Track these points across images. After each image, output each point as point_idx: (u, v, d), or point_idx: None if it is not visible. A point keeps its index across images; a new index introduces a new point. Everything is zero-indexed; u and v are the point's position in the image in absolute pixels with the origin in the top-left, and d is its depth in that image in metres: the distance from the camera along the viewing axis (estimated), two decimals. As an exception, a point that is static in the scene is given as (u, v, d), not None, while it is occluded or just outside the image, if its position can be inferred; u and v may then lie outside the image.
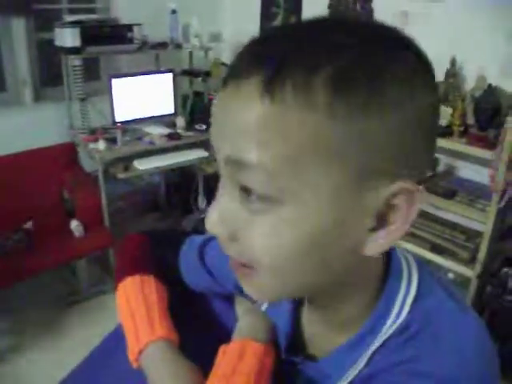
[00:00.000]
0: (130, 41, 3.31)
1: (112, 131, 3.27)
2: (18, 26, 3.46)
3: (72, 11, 3.63)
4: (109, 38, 3.25)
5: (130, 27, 3.33)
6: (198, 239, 0.85)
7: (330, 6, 3.49)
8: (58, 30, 3.29)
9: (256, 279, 0.48)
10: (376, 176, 0.43)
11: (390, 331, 0.52)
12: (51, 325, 2.92)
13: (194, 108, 3.59)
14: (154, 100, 3.40)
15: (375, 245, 0.46)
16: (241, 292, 0.73)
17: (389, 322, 0.53)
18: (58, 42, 3.33)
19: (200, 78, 3.63)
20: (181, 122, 3.50)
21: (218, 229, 0.47)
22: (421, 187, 0.45)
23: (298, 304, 0.65)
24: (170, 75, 3.44)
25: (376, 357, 0.53)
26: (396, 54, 0.43)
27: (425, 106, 0.44)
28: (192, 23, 3.62)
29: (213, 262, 0.80)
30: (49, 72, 3.71)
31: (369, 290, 0.55)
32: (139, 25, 3.37)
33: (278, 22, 3.88)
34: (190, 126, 3.53)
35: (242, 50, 0.46)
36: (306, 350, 0.63)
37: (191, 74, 3.66)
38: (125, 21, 3.45)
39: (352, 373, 0.54)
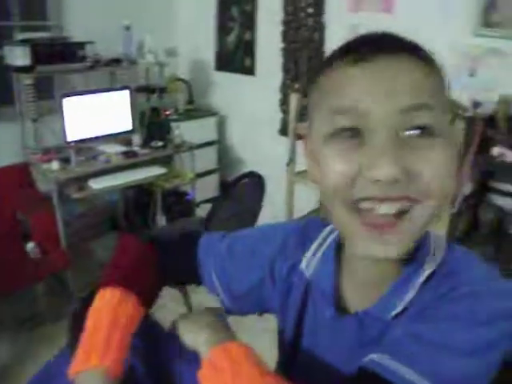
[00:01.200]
0: (82, 59, 3.26)
1: (66, 151, 3.20)
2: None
3: (24, 28, 3.57)
4: (60, 56, 3.20)
5: (81, 45, 3.29)
6: (214, 235, 0.91)
7: (284, 22, 3.52)
8: (7, 48, 3.22)
9: (407, 225, 0.59)
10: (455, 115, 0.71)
11: (430, 270, 0.66)
12: (12, 349, 2.83)
13: (152, 124, 3.55)
14: (109, 118, 3.35)
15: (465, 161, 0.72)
16: (272, 276, 0.83)
17: (427, 265, 0.66)
18: (8, 61, 3.26)
19: (156, 94, 3.59)
20: (137, 139, 3.46)
21: (395, 172, 0.55)
22: None
23: (338, 268, 0.75)
24: (126, 92, 3.40)
25: (422, 292, 0.66)
26: None
27: None
28: (146, 39, 3.59)
29: (243, 255, 0.86)
30: (0, 91, 3.63)
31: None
32: (92, 42, 3.33)
33: (233, 36, 3.89)
34: (146, 143, 3.49)
35: (367, 38, 0.65)
36: (348, 309, 0.74)
37: (147, 90, 3.62)
38: (78, 38, 3.40)
39: (401, 304, 0.66)
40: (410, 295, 0.66)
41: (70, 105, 3.16)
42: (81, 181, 3.12)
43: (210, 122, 3.98)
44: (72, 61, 3.25)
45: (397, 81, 0.58)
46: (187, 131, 3.65)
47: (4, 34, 3.48)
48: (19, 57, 3.10)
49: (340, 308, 0.74)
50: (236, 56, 3.91)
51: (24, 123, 3.40)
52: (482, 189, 2.65)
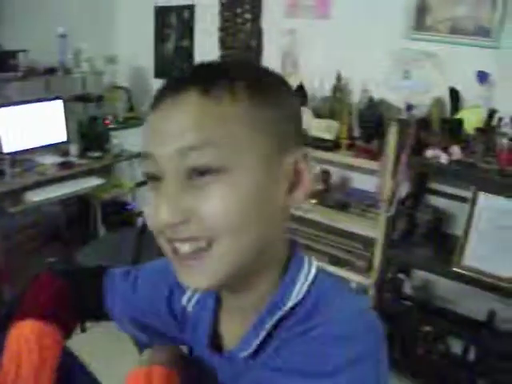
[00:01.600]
0: (14, 68, 3.18)
1: (0, 163, 3.12)
2: None
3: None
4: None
5: (13, 54, 3.21)
6: (119, 270, 0.92)
7: (221, 29, 3.52)
8: None
9: (207, 261, 0.59)
10: (286, 146, 0.63)
11: (288, 308, 0.64)
12: None
13: (89, 134, 3.49)
14: (44, 128, 3.27)
15: (293, 201, 0.64)
16: (171, 306, 0.84)
17: (289, 302, 0.65)
18: None
19: (93, 103, 3.54)
20: (74, 149, 3.40)
21: (173, 217, 0.57)
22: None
23: (217, 305, 0.75)
24: (59, 102, 3.33)
25: (278, 330, 0.65)
26: (274, 75, 0.68)
27: (296, 106, 0.69)
28: (83, 47, 3.53)
29: (141, 285, 0.87)
30: None
31: (275, 273, 0.67)
32: (24, 51, 3.25)
33: (170, 43, 3.88)
34: (83, 153, 3.43)
35: (171, 79, 0.64)
36: (224, 344, 0.73)
37: (84, 99, 3.57)
38: (11, 47, 3.31)
39: (255, 342, 0.66)
40: (263, 333, 0.65)
41: (3, 116, 3.08)
42: (17, 193, 3.04)
43: (150, 130, 3.93)
44: (3, 70, 3.16)
45: (173, 121, 0.59)
46: (127, 139, 3.61)
47: None
48: None
49: (220, 345, 0.74)
50: (174, 63, 3.89)
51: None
52: (418, 190, 2.71)
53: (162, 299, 0.84)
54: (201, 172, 0.57)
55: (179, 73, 0.71)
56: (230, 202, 0.57)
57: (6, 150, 3.09)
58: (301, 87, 2.86)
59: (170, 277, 0.80)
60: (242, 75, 0.62)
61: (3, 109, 3.09)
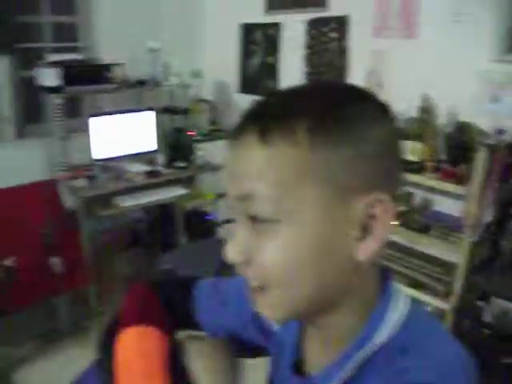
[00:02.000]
0: (110, 80, 3.36)
1: (92, 169, 3.30)
2: (1, 65, 3.52)
3: (55, 50, 3.69)
4: (89, 77, 3.31)
5: (110, 67, 3.39)
6: (208, 282, 0.93)
7: (307, 46, 3.58)
8: (39, 70, 3.35)
9: (268, 298, 0.58)
10: (355, 191, 0.55)
11: (377, 345, 0.59)
12: (30, 361, 2.90)
13: (175, 145, 3.63)
14: (135, 138, 3.44)
15: (365, 251, 0.56)
16: (257, 322, 0.82)
17: (377, 338, 0.59)
18: (39, 81, 3.38)
19: (180, 115, 3.68)
20: (161, 159, 3.54)
21: (236, 257, 0.58)
22: (388, 197, 0.56)
23: (302, 329, 0.72)
24: (151, 113, 3.49)
25: (364, 370, 0.59)
26: (354, 102, 0.58)
27: (383, 139, 0.57)
28: (172, 61, 3.69)
29: (231, 298, 0.87)
30: (32, 109, 3.75)
31: (361, 308, 0.62)
32: (119, 64, 3.43)
33: (255, 59, 3.97)
34: (169, 163, 3.57)
35: (244, 113, 0.59)
36: (306, 367, 0.70)
37: (171, 111, 3.71)
38: (107, 59, 3.51)
39: (337, 379, 0.61)
40: (348, 368, 0.61)
41: (96, 124, 3.26)
42: (106, 198, 3.21)
43: (232, 143, 4.03)
44: (100, 82, 3.35)
45: (234, 165, 0.58)
46: (209, 152, 3.73)
47: (35, 55, 3.62)
48: (50, 78, 3.21)
49: (301, 367, 0.72)
50: (259, 79, 3.98)
51: (52, 141, 3.51)
52: (503, 217, 2.65)
53: (248, 314, 0.83)
54: (258, 220, 0.56)
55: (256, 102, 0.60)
56: (285, 255, 0.55)
57: (98, 156, 3.27)
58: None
59: None
60: (306, 112, 0.55)
61: (97, 118, 3.27)
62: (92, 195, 3.17)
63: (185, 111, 3.71)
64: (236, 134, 0.58)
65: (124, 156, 3.40)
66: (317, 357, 0.69)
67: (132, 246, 3.91)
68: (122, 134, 3.38)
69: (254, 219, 0.56)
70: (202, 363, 0.77)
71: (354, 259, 0.56)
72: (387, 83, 3.11)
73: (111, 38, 3.75)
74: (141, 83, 3.56)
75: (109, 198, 3.22)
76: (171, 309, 0.90)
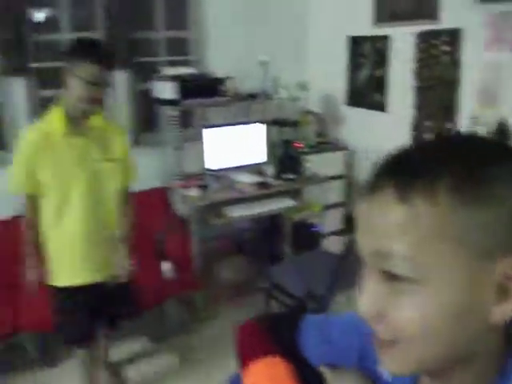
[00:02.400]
0: (222, 94, 3.48)
1: (204, 178, 3.43)
2: (121, 78, 3.74)
3: (169, 63, 3.88)
4: (203, 91, 3.45)
5: (222, 81, 3.51)
6: (316, 318, 0.95)
7: (417, 60, 3.54)
8: (156, 84, 3.53)
9: (396, 353, 0.57)
10: (493, 253, 0.53)
11: None
12: (141, 359, 3.08)
13: (283, 157, 3.70)
14: (245, 149, 3.54)
15: (500, 314, 0.54)
16: (364, 365, 0.81)
17: None
18: (155, 94, 3.56)
19: (288, 128, 3.74)
20: (270, 170, 3.62)
21: (369, 311, 0.57)
22: None
23: (418, 378, 0.70)
24: (261, 125, 3.58)
25: None
26: (497, 162, 0.55)
27: None
28: (281, 75, 3.77)
29: (337, 337, 0.88)
30: (147, 118, 3.96)
31: (489, 365, 0.60)
32: (231, 78, 3.54)
33: (364, 72, 3.96)
34: (278, 174, 3.64)
35: (380, 166, 0.58)
36: None
37: (280, 123, 3.78)
38: (219, 73, 3.65)
39: None
40: None
41: (209, 135, 3.39)
42: (217, 207, 3.32)
43: (339, 155, 4.06)
44: (213, 95, 3.48)
45: (369, 219, 0.57)
46: (316, 164, 3.76)
47: (151, 68, 3.82)
48: (166, 91, 3.37)
49: None
50: (367, 92, 3.97)
51: (166, 150, 3.69)
52: None
53: (354, 356, 0.83)
54: (394, 277, 0.55)
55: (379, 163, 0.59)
56: (422, 314, 0.54)
57: (210, 166, 3.39)
58: (501, 124, 2.78)
59: (361, 337, 0.81)
60: (448, 171, 0.53)
61: (211, 129, 3.40)
62: (203, 204, 3.29)
63: (293, 123, 3.77)
64: (372, 187, 0.57)
65: (235, 167, 3.50)
66: None
67: (238, 254, 4.01)
68: (233, 146, 3.48)
69: (389, 275, 0.55)
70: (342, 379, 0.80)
71: (488, 321, 0.55)
72: (502, 98, 3.02)
73: (222, 51, 3.90)
74: (252, 96, 3.67)
75: (219, 207, 3.33)
76: (280, 343, 0.93)
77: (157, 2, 3.86)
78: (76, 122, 2.13)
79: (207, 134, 3.40)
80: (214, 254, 3.85)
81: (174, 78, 3.39)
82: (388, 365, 0.59)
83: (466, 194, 0.52)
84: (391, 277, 0.55)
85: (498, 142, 0.59)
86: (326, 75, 4.19)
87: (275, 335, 0.95)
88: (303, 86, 3.97)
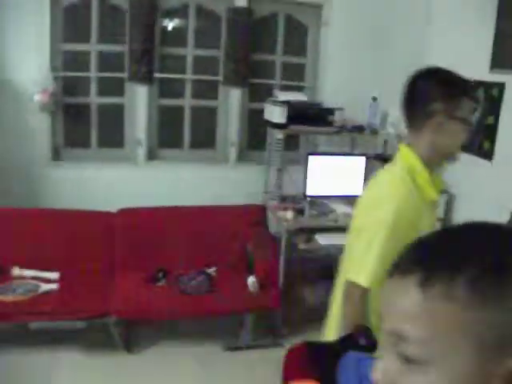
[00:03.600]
0: (330, 124, 3.59)
1: (301, 203, 3.55)
2: (236, 96, 3.96)
3: (282, 87, 4.06)
4: (311, 118, 3.57)
5: (331, 111, 3.62)
6: (353, 355, 1.03)
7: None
8: (268, 106, 3.70)
9: None
10: (501, 351, 0.55)
11: None
12: (206, 362, 3.22)
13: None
14: (344, 180, 3.62)
15: None
16: None
17: None
18: (266, 116, 3.74)
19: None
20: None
21: (381, 381, 0.62)
22: None
23: None
24: (362, 159, 3.65)
25: None
26: None
27: None
28: (390, 112, 3.81)
29: (365, 377, 0.95)
30: (254, 137, 4.17)
31: None
32: (341, 109, 3.64)
33: (475, 117, 3.91)
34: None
35: (408, 251, 0.62)
36: None
37: (383, 159, 3.82)
38: (328, 100, 3.77)
39: None
40: None
41: (313, 162, 3.51)
42: (309, 233, 3.42)
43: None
44: (321, 124, 3.60)
45: (391, 301, 0.61)
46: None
47: (266, 89, 4.02)
48: (277, 115, 3.53)
49: None
50: (475, 138, 3.92)
51: (268, 169, 3.85)
52: None
53: None
54: (407, 357, 0.58)
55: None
56: None
57: (309, 193, 3.51)
58: None
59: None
60: (470, 264, 0.56)
61: (314, 157, 3.52)
62: (296, 228, 3.41)
63: (396, 161, 3.78)
64: (399, 270, 0.61)
65: (332, 196, 3.59)
66: None
67: (322, 280, 4.07)
68: (333, 175, 3.58)
69: (402, 355, 0.59)
70: None
71: None
72: None
73: (335, 82, 4.01)
74: (358, 129, 3.74)
75: (311, 232, 3.43)
76: (321, 371, 1.02)
77: (278, 27, 4.05)
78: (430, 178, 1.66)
79: (311, 160, 3.52)
80: (300, 277, 3.94)
81: (284, 103, 3.53)
82: None
83: (485, 292, 0.55)
84: (404, 356, 0.59)
85: None
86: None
87: (318, 363, 1.05)
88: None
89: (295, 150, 4.13)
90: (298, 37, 4.15)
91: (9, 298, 3.07)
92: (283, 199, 3.66)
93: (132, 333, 3.38)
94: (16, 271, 3.31)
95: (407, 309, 0.58)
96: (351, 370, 1.00)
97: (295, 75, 4.21)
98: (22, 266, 3.35)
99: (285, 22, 4.06)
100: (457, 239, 0.62)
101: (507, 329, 0.55)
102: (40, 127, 3.76)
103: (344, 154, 3.65)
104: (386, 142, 3.90)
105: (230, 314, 3.45)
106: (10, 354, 3.12)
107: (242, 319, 3.42)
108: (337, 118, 3.66)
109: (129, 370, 3.12)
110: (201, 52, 3.99)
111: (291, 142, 3.99)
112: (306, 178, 3.51)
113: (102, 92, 3.92)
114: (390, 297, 0.61)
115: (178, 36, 4.01)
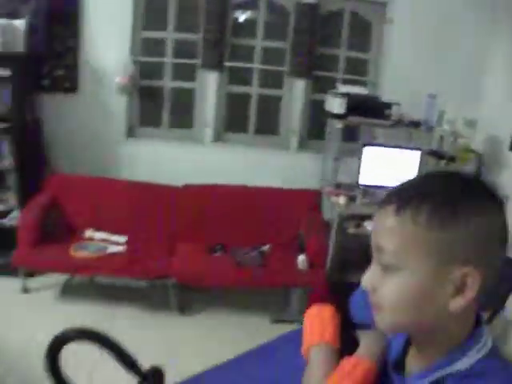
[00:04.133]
0: (387, 117, 3.74)
1: (354, 191, 3.73)
2: (298, 87, 4.19)
3: (345, 80, 4.25)
4: (369, 111, 3.74)
5: (389, 105, 3.77)
6: (360, 288, 1.25)
7: None
8: (329, 97, 3.90)
9: (380, 316, 0.84)
10: (455, 262, 0.75)
11: (457, 368, 0.80)
12: (252, 332, 3.40)
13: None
14: (397, 172, 3.76)
15: (455, 305, 0.77)
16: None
17: (456, 367, 0.81)
18: (327, 107, 3.94)
19: (444, 161, 3.86)
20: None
21: (367, 285, 0.84)
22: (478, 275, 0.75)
23: (407, 340, 0.96)
24: (417, 153, 3.78)
25: (446, 379, 0.81)
26: (468, 197, 0.77)
27: (486, 228, 0.76)
28: (447, 109, 3.90)
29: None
30: (315, 126, 4.38)
31: (450, 342, 0.83)
32: (398, 104, 3.78)
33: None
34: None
35: (391, 190, 0.83)
36: (404, 369, 0.94)
37: (437, 155, 3.91)
38: (388, 97, 3.92)
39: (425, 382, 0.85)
40: (432, 378, 0.82)
41: (368, 153, 3.68)
42: (358, 219, 3.61)
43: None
44: (378, 117, 3.76)
45: (376, 223, 0.82)
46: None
47: (328, 82, 4.21)
48: (337, 106, 3.72)
49: (400, 366, 0.95)
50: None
51: (326, 158, 4.06)
52: None
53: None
54: (385, 265, 0.79)
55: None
56: (397, 291, 0.78)
57: (362, 181, 3.69)
58: None
59: None
60: (431, 199, 0.76)
61: (370, 148, 3.69)
62: (348, 214, 3.60)
63: (451, 158, 3.84)
64: (383, 203, 0.81)
65: (383, 186, 3.74)
66: (414, 364, 0.90)
67: (366, 264, 4.23)
68: (386, 167, 3.73)
69: (382, 264, 0.80)
70: (368, 337, 1.08)
71: (446, 309, 0.77)
72: None
73: (395, 78, 4.16)
74: (414, 124, 3.87)
75: (361, 219, 3.61)
76: (338, 301, 1.21)
77: (344, 21, 4.25)
78: None
79: (366, 151, 3.69)
80: (347, 261, 4.11)
81: (344, 95, 3.72)
82: (377, 323, 0.86)
83: (440, 219, 0.74)
84: (384, 265, 0.80)
85: (478, 180, 0.82)
86: (498, 117, 4.09)
87: (336, 294, 1.25)
88: (471, 124, 3.95)
89: (353, 142, 4.30)
90: (362, 33, 4.33)
91: (81, 254, 3.45)
92: (338, 186, 3.85)
93: (186, 296, 3.66)
94: (88, 233, 3.71)
95: (386, 229, 0.79)
96: (361, 298, 1.17)
97: (358, 70, 4.39)
98: (94, 228, 3.74)
99: (350, 18, 4.25)
100: (425, 181, 0.84)
101: (457, 246, 0.75)
102: (118, 107, 4.14)
103: (399, 147, 3.78)
104: (441, 138, 3.99)
105: (279, 287, 3.67)
106: (77, 305, 3.53)
107: (290, 294, 3.64)
108: (394, 112, 3.80)
109: (179, 330, 3.40)
110: (269, 43, 4.23)
111: (351, 134, 4.15)
112: (360, 167, 3.69)
113: (175, 76, 4.25)
114: (376, 221, 0.82)
115: (248, 27, 4.27)
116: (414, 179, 0.85)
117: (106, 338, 1.24)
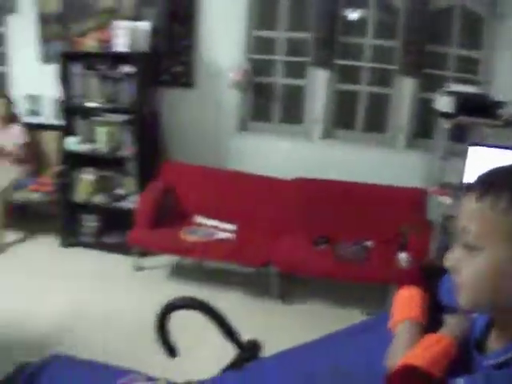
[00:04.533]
0: (499, 117, 3.66)
1: (459, 191, 3.70)
2: (407, 85, 4.21)
3: (455, 79, 4.21)
4: (480, 110, 3.67)
5: (500, 104, 3.68)
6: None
7: None
8: (438, 96, 3.88)
9: (462, 294, 0.92)
10: None
11: None
12: (346, 324, 3.49)
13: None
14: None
15: None
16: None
17: None
18: (436, 105, 3.92)
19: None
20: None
21: (450, 264, 0.94)
22: None
23: (491, 321, 1.01)
24: (527, 154, 3.67)
25: None
26: None
27: None
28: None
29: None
30: (423, 125, 4.39)
31: None
32: (510, 103, 3.68)
33: None
34: None
35: (475, 180, 0.92)
36: (486, 350, 0.98)
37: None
38: (500, 96, 3.81)
39: (501, 359, 0.90)
40: (506, 358, 0.88)
41: (474, 153, 3.63)
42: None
43: None
44: (489, 116, 3.68)
45: (463, 209, 0.90)
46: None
47: (438, 81, 4.19)
48: (446, 105, 3.70)
49: (482, 344, 1.00)
50: None
51: (433, 157, 4.05)
52: None
53: None
54: (468, 246, 0.88)
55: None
56: (476, 273, 0.86)
57: (466, 182, 3.64)
58: None
59: None
60: (510, 188, 0.83)
61: (477, 148, 3.64)
62: (451, 214, 3.58)
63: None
64: (468, 189, 0.91)
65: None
66: (494, 344, 0.95)
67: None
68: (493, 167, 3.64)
69: (465, 245, 0.88)
70: (452, 317, 1.13)
71: None
72: None
73: (508, 77, 4.05)
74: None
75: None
76: (428, 284, 1.28)
77: (454, 20, 4.18)
78: None
79: (472, 150, 3.63)
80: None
81: (453, 93, 3.68)
82: (459, 301, 0.93)
83: None
84: (466, 246, 0.89)
85: None
86: None
87: (428, 279, 1.33)
88: None
89: (464, 141, 4.23)
90: (474, 30, 4.24)
91: (190, 238, 3.73)
92: (443, 186, 3.83)
93: (288, 285, 3.83)
94: (199, 219, 3.98)
95: (469, 213, 0.89)
96: (450, 284, 1.22)
97: (469, 68, 4.30)
98: (205, 215, 4.00)
99: (461, 15, 4.17)
100: (505, 172, 0.91)
101: None
102: (231, 102, 4.38)
103: (508, 148, 3.69)
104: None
105: (379, 283, 3.72)
106: (184, 285, 3.84)
107: (387, 290, 3.68)
108: (505, 112, 3.71)
109: (278, 317, 3.55)
110: (378, 42, 4.27)
111: (460, 134, 4.09)
112: (464, 167, 3.65)
113: (286, 73, 4.42)
114: (463, 206, 0.92)
115: (358, 26, 4.34)
116: (498, 169, 0.92)
117: (213, 308, 1.39)
